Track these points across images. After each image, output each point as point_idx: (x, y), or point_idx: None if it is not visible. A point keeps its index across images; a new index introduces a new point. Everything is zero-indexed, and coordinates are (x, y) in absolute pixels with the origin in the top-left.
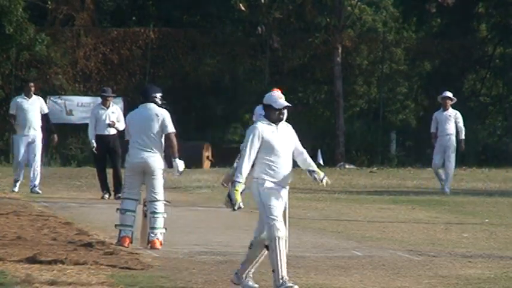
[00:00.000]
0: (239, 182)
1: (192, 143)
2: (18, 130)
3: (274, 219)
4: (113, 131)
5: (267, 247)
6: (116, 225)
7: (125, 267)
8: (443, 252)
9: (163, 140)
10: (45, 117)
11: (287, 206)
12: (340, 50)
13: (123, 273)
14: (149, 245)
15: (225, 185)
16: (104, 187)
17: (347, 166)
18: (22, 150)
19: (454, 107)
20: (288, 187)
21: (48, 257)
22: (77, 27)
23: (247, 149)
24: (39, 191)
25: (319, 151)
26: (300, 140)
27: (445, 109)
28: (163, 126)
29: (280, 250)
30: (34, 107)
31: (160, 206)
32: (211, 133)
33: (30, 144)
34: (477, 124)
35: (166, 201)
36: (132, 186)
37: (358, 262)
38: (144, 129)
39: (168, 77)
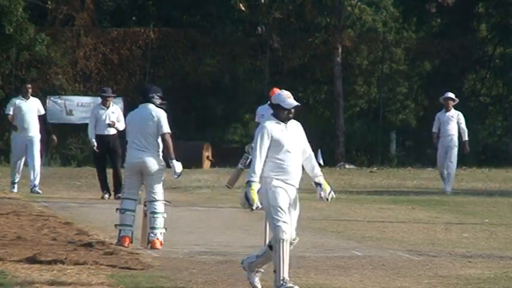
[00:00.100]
0: (254, 181)
1: (192, 143)
2: (16, 131)
3: (279, 221)
4: (112, 131)
5: (270, 247)
6: (115, 225)
7: (125, 267)
8: (443, 252)
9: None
10: (42, 118)
11: (298, 206)
12: (340, 50)
13: (123, 273)
14: (149, 245)
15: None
16: (104, 187)
17: (347, 166)
18: (20, 151)
19: (455, 107)
20: (297, 186)
21: (48, 257)
22: (77, 27)
23: (258, 148)
24: (39, 191)
25: (319, 151)
26: None
27: (447, 110)
28: (158, 126)
29: (283, 252)
30: (31, 108)
31: (159, 206)
32: (211, 133)
33: (29, 146)
34: (477, 124)
35: (166, 201)
36: (131, 186)
37: (358, 262)
38: (141, 129)
39: (168, 77)
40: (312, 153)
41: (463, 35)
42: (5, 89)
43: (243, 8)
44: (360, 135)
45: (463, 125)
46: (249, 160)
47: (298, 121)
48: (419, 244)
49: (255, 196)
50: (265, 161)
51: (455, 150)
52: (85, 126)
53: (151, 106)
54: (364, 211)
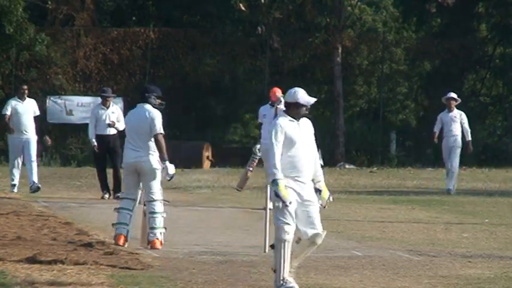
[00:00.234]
0: (279, 178)
1: (192, 143)
2: (13, 132)
3: (283, 222)
4: (113, 131)
5: (272, 246)
6: (112, 224)
7: (125, 267)
8: (443, 252)
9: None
10: (37, 119)
11: (316, 199)
12: (340, 50)
13: (123, 273)
14: (149, 245)
15: (240, 189)
16: (104, 187)
17: (347, 166)
18: (17, 152)
19: (456, 107)
20: (309, 182)
21: (48, 257)
22: (77, 27)
23: (274, 144)
24: (39, 185)
25: (319, 151)
26: None
27: (450, 110)
28: (151, 126)
29: (284, 252)
30: (28, 109)
31: (158, 206)
32: (211, 133)
33: (25, 147)
34: (477, 124)
35: (165, 200)
36: (129, 185)
37: (358, 262)
38: (136, 129)
39: (168, 77)
40: (318, 155)
41: (463, 35)
42: (5, 89)
43: (243, 8)
44: (360, 135)
45: (466, 125)
46: (257, 161)
47: None
48: (419, 244)
49: (285, 192)
50: None
51: (458, 151)
52: (85, 126)
53: (147, 106)
54: (364, 211)
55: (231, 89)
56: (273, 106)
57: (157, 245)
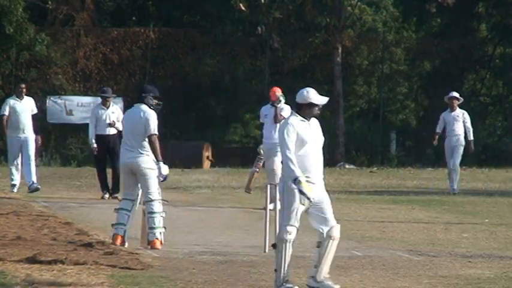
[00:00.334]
0: (299, 176)
1: (192, 143)
2: (11, 132)
3: (287, 223)
4: (113, 131)
5: (273, 246)
6: (112, 225)
7: (125, 267)
8: (443, 252)
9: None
10: (36, 117)
11: (326, 196)
12: (340, 50)
13: (123, 273)
14: (149, 245)
15: (249, 191)
16: (104, 187)
17: (347, 166)
18: (16, 152)
19: (459, 106)
20: (319, 181)
21: (48, 257)
22: (77, 27)
23: (288, 143)
24: (39, 186)
25: None
26: None
27: (452, 109)
28: (146, 127)
29: (286, 253)
30: (26, 108)
31: (156, 206)
32: (211, 133)
33: (24, 146)
34: (477, 124)
35: (164, 200)
36: (127, 186)
37: (358, 262)
38: (131, 129)
39: (168, 77)
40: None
41: (463, 35)
42: (5, 89)
43: (243, 8)
44: (360, 135)
45: (469, 124)
46: (262, 161)
47: None
48: (419, 244)
49: (308, 189)
50: None
51: (461, 150)
52: (85, 126)
53: (143, 107)
54: (364, 211)
55: (231, 89)
56: (273, 106)
57: (157, 244)
